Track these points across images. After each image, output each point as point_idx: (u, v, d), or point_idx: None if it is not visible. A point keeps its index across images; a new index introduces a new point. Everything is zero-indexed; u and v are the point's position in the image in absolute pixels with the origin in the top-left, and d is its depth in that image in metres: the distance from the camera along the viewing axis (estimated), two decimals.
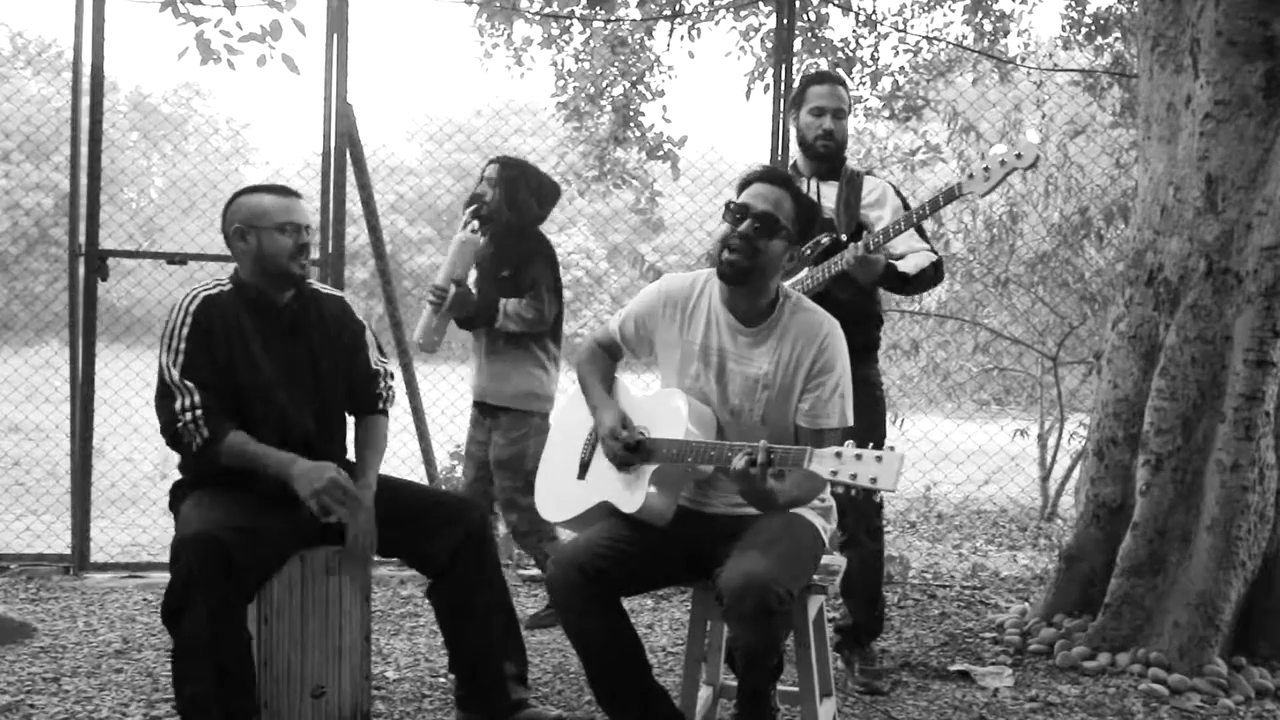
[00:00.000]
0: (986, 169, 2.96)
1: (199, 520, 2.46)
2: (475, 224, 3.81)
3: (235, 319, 2.66)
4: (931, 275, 3.31)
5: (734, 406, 2.51)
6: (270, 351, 2.69)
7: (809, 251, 3.19)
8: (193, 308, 2.63)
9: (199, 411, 2.54)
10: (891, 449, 2.08)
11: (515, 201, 3.84)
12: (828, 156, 3.38)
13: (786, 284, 3.09)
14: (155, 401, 2.62)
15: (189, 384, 2.56)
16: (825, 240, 3.19)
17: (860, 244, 3.05)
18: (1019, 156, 2.93)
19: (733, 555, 2.30)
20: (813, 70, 6.29)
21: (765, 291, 2.49)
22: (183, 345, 2.59)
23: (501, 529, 4.13)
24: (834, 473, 2.12)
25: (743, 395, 2.50)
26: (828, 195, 3.38)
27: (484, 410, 3.89)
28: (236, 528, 2.45)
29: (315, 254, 2.76)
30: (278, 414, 2.67)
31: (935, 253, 3.33)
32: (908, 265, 3.23)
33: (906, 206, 3.36)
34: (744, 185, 2.51)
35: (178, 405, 2.55)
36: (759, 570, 2.20)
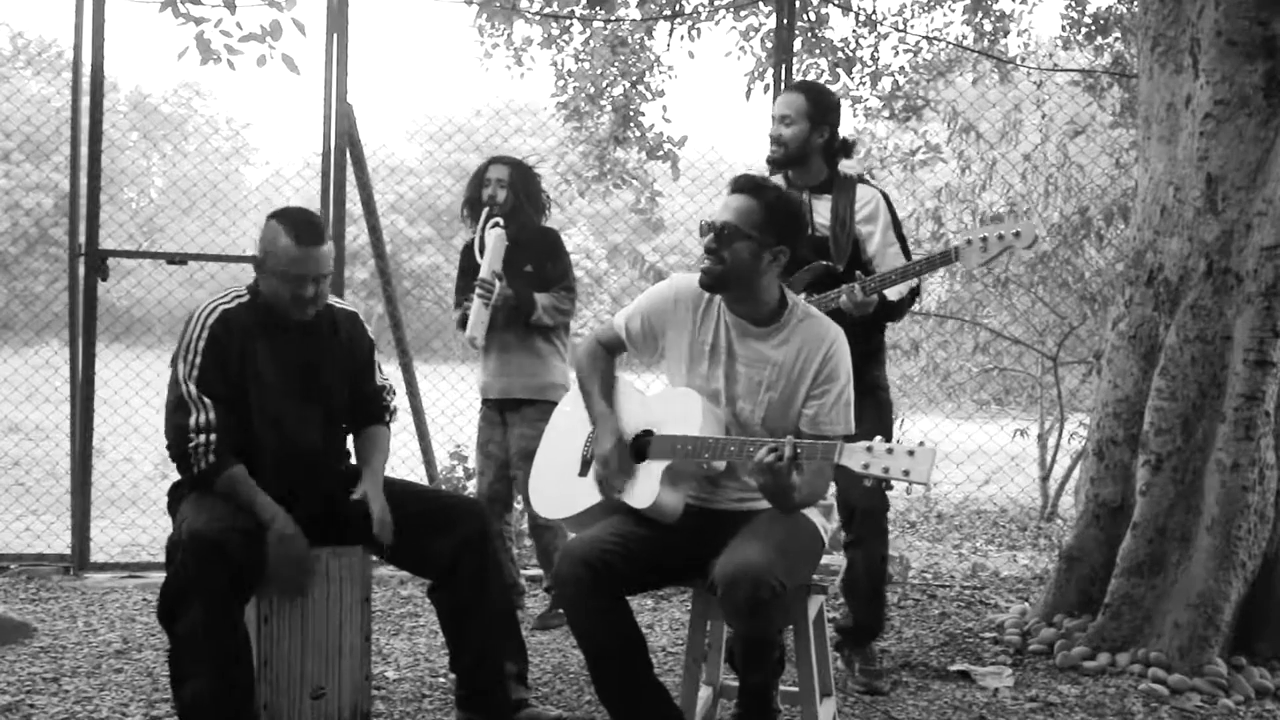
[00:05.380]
0: (984, 240, 3.08)
1: (195, 521, 2.47)
2: (499, 220, 3.86)
3: (250, 333, 2.66)
4: (909, 300, 3.36)
5: (738, 407, 2.54)
6: (282, 364, 2.71)
7: (804, 273, 3.23)
8: (210, 321, 2.63)
9: (212, 436, 2.54)
10: (922, 444, 2.13)
11: (536, 197, 3.98)
12: (775, 161, 3.36)
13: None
14: (167, 413, 2.61)
15: (205, 400, 2.56)
16: (821, 266, 3.25)
17: (859, 287, 3.12)
18: (1017, 235, 3.03)
19: (728, 546, 2.33)
20: (810, 72, 6.31)
21: (760, 295, 2.51)
22: (198, 359, 2.59)
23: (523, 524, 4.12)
24: (865, 466, 2.17)
25: (746, 396, 2.53)
26: (821, 211, 3.34)
27: (501, 406, 3.93)
28: (233, 528, 2.47)
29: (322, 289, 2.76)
30: (285, 426, 2.69)
31: (915, 272, 3.27)
32: (892, 293, 3.25)
33: (894, 219, 3.38)
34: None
35: (192, 421, 2.55)
36: (753, 560, 2.24)
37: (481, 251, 3.86)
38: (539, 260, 3.89)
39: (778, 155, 3.36)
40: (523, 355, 3.88)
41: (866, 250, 3.34)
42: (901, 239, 3.39)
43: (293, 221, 2.65)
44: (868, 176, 3.56)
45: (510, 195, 3.90)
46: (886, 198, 3.40)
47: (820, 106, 3.34)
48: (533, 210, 3.96)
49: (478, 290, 3.77)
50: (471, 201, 4.00)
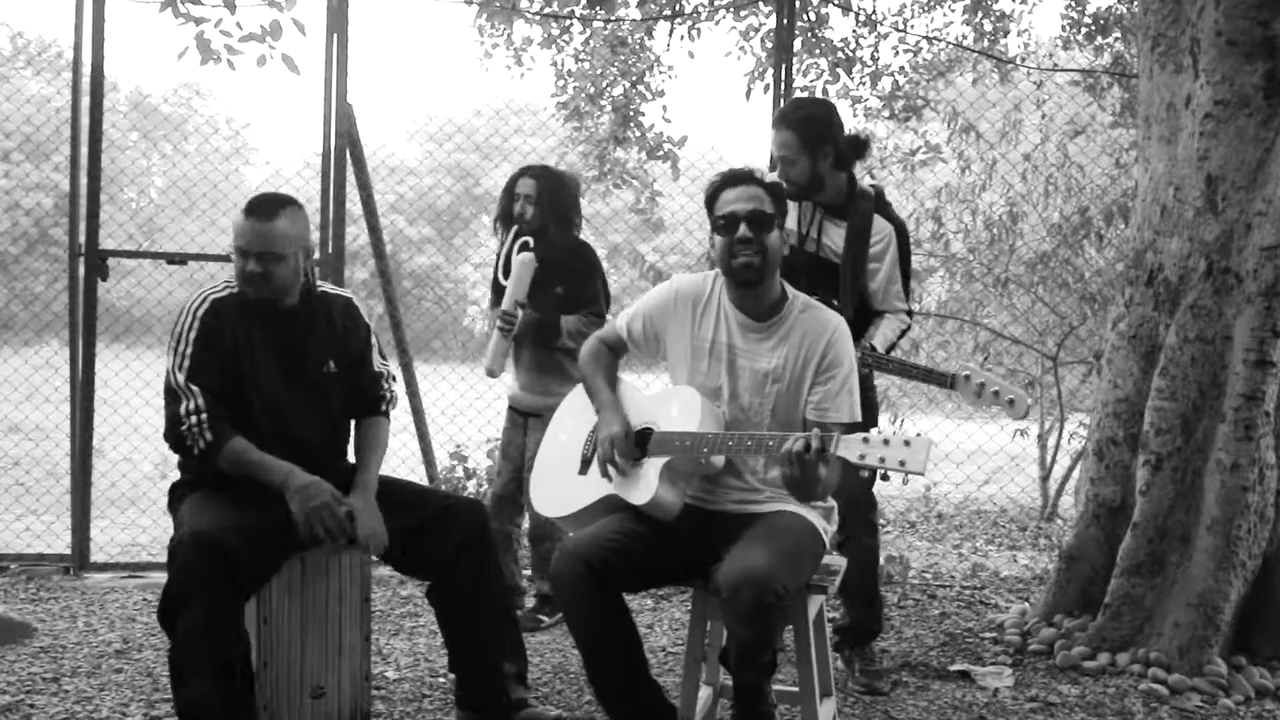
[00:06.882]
0: (982, 385, 3.06)
1: (197, 521, 2.47)
2: (528, 240, 3.81)
3: (243, 322, 2.67)
4: (896, 343, 3.35)
5: (744, 402, 2.55)
6: (276, 354, 2.70)
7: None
8: (200, 311, 2.64)
9: (203, 415, 2.56)
10: (919, 434, 2.15)
11: (564, 214, 3.86)
12: (793, 196, 3.24)
13: None
14: (164, 405, 2.64)
15: (194, 387, 2.58)
16: (829, 303, 3.22)
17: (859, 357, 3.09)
18: (1011, 403, 3.03)
19: (732, 550, 2.34)
20: (810, 72, 6.30)
21: (772, 287, 2.56)
22: (189, 349, 2.60)
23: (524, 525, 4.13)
24: (862, 456, 2.19)
25: (752, 390, 2.55)
26: (832, 236, 3.29)
27: (527, 414, 3.94)
28: (235, 528, 2.47)
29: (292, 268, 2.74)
30: (281, 417, 2.68)
31: (909, 312, 3.34)
32: (879, 340, 3.26)
33: (904, 256, 3.31)
34: (714, 195, 2.56)
35: (182, 408, 2.57)
36: (757, 565, 2.24)
37: (506, 273, 3.82)
38: (570, 281, 3.83)
39: (793, 191, 3.25)
40: (552, 374, 3.85)
41: (869, 284, 3.29)
42: (906, 277, 3.34)
43: (250, 202, 2.69)
44: (886, 198, 3.42)
45: (537, 212, 3.84)
46: (901, 231, 3.32)
47: (811, 133, 3.21)
48: (558, 227, 3.85)
49: (499, 322, 3.73)
50: (504, 215, 3.96)
